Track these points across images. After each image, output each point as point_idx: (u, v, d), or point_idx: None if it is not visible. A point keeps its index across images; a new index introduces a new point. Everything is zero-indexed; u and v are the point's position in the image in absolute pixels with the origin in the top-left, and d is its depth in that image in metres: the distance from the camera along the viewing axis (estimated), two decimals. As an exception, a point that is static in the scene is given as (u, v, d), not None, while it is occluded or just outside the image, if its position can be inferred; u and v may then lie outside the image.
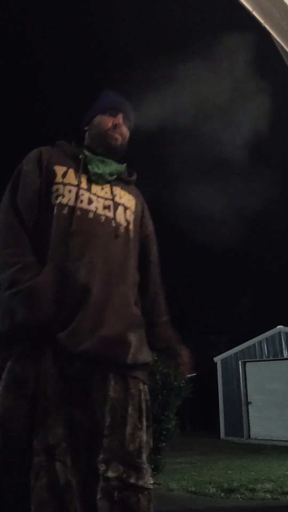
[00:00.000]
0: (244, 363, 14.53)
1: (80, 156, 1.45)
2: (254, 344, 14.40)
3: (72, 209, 1.34)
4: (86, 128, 1.57)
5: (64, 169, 1.41)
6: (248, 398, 14.04)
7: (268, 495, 4.52)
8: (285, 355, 13.66)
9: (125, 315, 1.30)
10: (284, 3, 2.72)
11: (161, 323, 1.54)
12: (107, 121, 1.51)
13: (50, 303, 1.21)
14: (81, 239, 1.31)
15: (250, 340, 14.50)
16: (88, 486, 1.10)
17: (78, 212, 1.34)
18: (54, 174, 1.39)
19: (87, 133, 1.56)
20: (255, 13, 2.81)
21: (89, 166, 1.43)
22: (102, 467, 1.11)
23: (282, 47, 3.01)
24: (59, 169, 1.41)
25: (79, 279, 1.25)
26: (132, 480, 1.13)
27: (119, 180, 1.50)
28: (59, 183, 1.37)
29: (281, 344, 13.80)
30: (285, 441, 12.12)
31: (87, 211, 1.35)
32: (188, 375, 1.61)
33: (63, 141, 1.53)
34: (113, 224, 1.39)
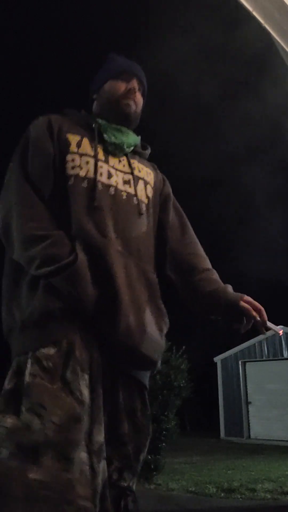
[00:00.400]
0: (244, 363, 14.53)
1: (94, 125, 1.29)
2: (254, 344, 14.39)
3: (93, 182, 1.19)
4: (94, 96, 1.39)
5: (77, 138, 1.25)
6: (248, 398, 14.04)
7: (268, 495, 4.52)
8: (285, 355, 13.65)
9: (158, 311, 1.20)
10: (284, 3, 2.72)
11: (200, 279, 1.32)
12: (120, 87, 1.33)
13: (92, 284, 1.08)
14: (105, 216, 1.17)
15: (250, 340, 14.49)
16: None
17: (100, 186, 1.19)
18: (67, 143, 1.22)
19: (95, 102, 1.39)
20: (255, 13, 2.81)
21: (105, 135, 1.28)
22: (115, 476, 1.06)
23: (282, 47, 3.01)
24: (73, 138, 1.24)
25: (109, 261, 1.11)
26: (134, 487, 1.11)
27: (135, 153, 1.36)
28: (74, 153, 1.21)
29: (281, 344, 13.80)
30: (285, 441, 12.11)
31: (108, 186, 1.21)
32: (268, 326, 1.26)
33: (72, 109, 1.35)
34: (135, 201, 1.25)
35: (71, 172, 1.19)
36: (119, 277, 1.11)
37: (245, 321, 1.25)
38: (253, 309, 1.25)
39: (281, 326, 12.73)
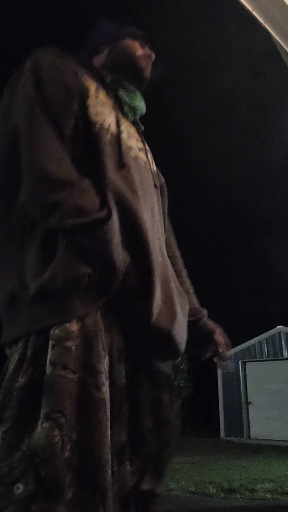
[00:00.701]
0: (244, 363, 14.53)
1: (107, 78, 1.12)
2: (254, 344, 14.40)
3: (118, 136, 1.01)
4: (101, 47, 1.21)
5: (94, 85, 1.04)
6: (248, 398, 14.04)
7: (268, 495, 4.52)
8: (285, 355, 13.66)
9: (180, 292, 1.07)
10: (284, 3, 2.72)
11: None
12: (138, 49, 1.20)
13: (121, 251, 0.88)
14: (134, 177, 1.00)
15: (250, 340, 14.49)
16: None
17: (123, 145, 1.02)
18: (85, 85, 1.01)
19: (105, 53, 1.20)
20: (255, 13, 2.81)
21: (120, 93, 1.12)
22: (135, 479, 0.88)
23: (282, 47, 3.01)
24: (90, 82, 1.04)
25: (142, 225, 0.94)
26: (158, 491, 0.93)
27: (136, 124, 1.19)
28: (94, 98, 1.02)
29: (281, 344, 13.80)
30: (285, 441, 12.11)
31: (129, 148, 1.05)
32: (224, 363, 1.21)
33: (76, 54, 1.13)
34: (150, 172, 1.11)
35: (94, 118, 0.99)
36: (152, 245, 0.94)
37: (208, 351, 1.19)
38: (221, 340, 1.19)
39: (281, 326, 12.64)
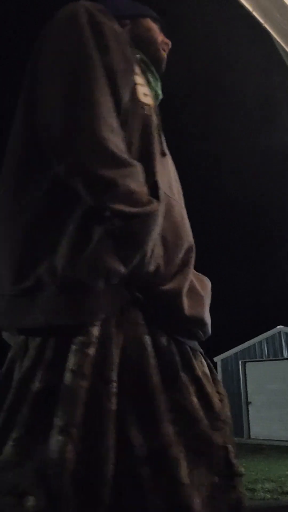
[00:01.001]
0: (244, 363, 14.53)
1: (138, 56, 1.01)
2: (254, 344, 14.40)
3: (158, 124, 0.95)
4: (122, 21, 1.07)
5: (135, 59, 0.98)
6: (248, 398, 14.04)
7: (268, 495, 4.52)
8: (285, 355, 13.66)
9: (197, 273, 1.02)
10: (284, 3, 2.73)
11: None
12: (158, 34, 1.12)
13: (156, 246, 0.82)
14: (170, 168, 0.95)
15: (250, 340, 14.49)
16: (217, 498, 0.76)
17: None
18: (132, 59, 0.93)
19: (127, 28, 1.08)
20: (255, 13, 2.81)
21: (149, 76, 1.02)
22: (237, 464, 0.81)
23: (282, 47, 3.02)
24: (132, 57, 0.96)
25: (180, 222, 0.90)
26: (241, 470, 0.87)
27: None
28: (139, 76, 0.94)
29: (281, 344, 13.80)
30: (285, 441, 12.11)
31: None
32: None
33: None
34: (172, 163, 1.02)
35: (143, 99, 0.91)
36: (189, 242, 0.91)
37: None
38: None
39: (281, 326, 12.59)
